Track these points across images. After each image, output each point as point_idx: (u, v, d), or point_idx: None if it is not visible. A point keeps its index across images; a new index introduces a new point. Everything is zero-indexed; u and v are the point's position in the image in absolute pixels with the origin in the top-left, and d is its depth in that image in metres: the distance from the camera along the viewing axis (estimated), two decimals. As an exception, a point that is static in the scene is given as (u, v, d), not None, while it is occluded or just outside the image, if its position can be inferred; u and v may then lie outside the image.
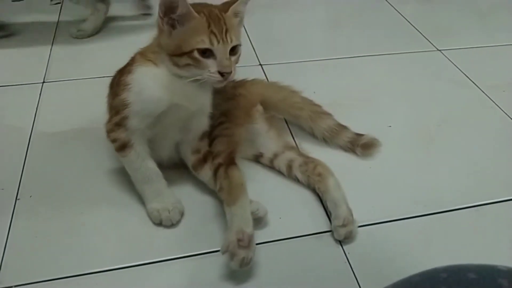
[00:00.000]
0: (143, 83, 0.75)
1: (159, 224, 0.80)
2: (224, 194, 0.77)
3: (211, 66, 0.72)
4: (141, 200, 0.83)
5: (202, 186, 0.87)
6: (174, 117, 0.79)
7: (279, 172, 0.91)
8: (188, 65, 0.72)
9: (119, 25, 1.42)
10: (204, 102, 0.80)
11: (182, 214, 0.82)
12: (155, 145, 0.81)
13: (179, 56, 0.72)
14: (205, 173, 0.84)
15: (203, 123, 0.83)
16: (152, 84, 0.75)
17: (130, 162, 0.80)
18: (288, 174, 0.89)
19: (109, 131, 0.79)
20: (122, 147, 0.78)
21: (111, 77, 0.89)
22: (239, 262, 0.70)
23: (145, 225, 0.81)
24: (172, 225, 0.80)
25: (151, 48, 0.78)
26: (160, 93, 0.75)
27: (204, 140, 0.84)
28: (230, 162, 0.80)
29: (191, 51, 0.71)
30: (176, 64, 0.74)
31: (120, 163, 0.90)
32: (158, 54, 0.76)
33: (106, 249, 0.77)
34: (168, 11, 0.71)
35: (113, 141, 0.79)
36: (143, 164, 0.79)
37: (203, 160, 0.84)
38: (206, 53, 0.72)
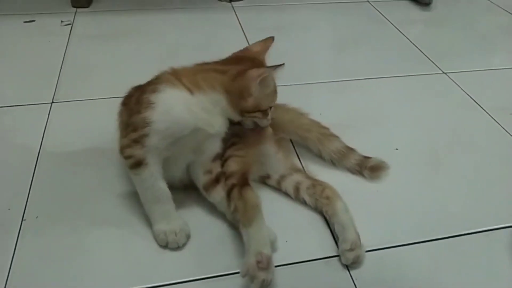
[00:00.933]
0: (171, 104, 0.77)
1: (165, 246, 0.80)
2: (240, 215, 0.77)
3: (270, 115, 0.86)
4: (147, 222, 0.83)
5: (209, 208, 0.87)
6: (192, 140, 0.80)
7: (286, 194, 0.90)
8: (255, 117, 0.84)
9: (129, 47, 1.44)
10: (222, 126, 0.83)
11: (188, 237, 0.81)
12: (168, 166, 0.81)
13: (252, 112, 0.82)
14: (217, 193, 0.84)
15: (217, 146, 0.84)
16: (181, 107, 0.77)
17: (142, 180, 0.79)
18: (296, 196, 0.89)
19: (124, 147, 0.78)
20: (136, 164, 0.78)
21: (125, 95, 0.91)
22: (260, 285, 0.69)
23: (150, 248, 0.80)
24: (178, 248, 0.80)
25: (193, 77, 0.80)
26: (187, 117, 0.77)
27: (217, 161, 0.85)
28: (244, 183, 0.80)
29: (266, 109, 0.84)
30: (242, 115, 0.83)
31: (128, 185, 0.90)
32: (205, 90, 0.79)
33: (112, 271, 0.77)
34: (261, 86, 0.80)
35: (128, 157, 0.78)
36: (155, 184, 0.79)
37: (216, 180, 0.84)
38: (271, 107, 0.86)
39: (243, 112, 0.82)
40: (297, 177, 0.90)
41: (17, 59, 1.35)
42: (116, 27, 1.54)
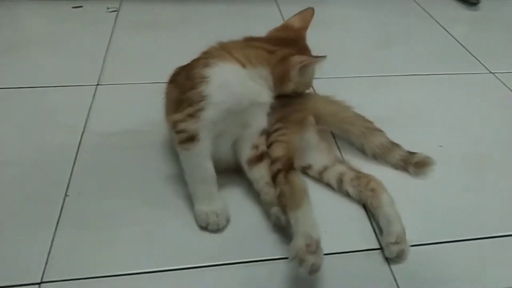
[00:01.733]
0: (226, 78, 0.79)
1: (205, 227, 0.80)
2: (286, 199, 0.76)
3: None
4: (189, 204, 0.83)
5: (250, 193, 0.87)
6: (244, 112, 0.81)
7: (328, 185, 0.89)
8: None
9: (171, 35, 1.46)
10: (269, 97, 0.85)
11: (228, 221, 0.81)
12: (216, 144, 0.81)
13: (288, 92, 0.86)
14: (258, 171, 0.83)
15: (264, 120, 0.85)
16: (236, 80, 0.79)
17: (191, 157, 0.79)
18: (338, 188, 0.87)
19: (179, 121, 0.78)
20: (188, 139, 0.78)
21: (171, 74, 0.93)
22: (309, 268, 0.67)
23: (190, 229, 0.80)
24: (218, 230, 0.80)
25: (242, 51, 0.82)
26: (242, 89, 0.79)
27: (263, 137, 0.85)
28: (290, 167, 0.79)
29: (301, 93, 0.89)
30: (278, 93, 0.86)
31: (169, 167, 0.92)
32: (254, 64, 0.81)
33: (151, 250, 0.77)
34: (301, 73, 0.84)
35: (181, 131, 0.78)
36: (204, 163, 0.79)
37: (260, 157, 0.84)
38: None
39: (281, 92, 0.86)
40: (340, 168, 0.88)
41: (65, 42, 1.39)
42: (159, 16, 1.57)
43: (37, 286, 0.71)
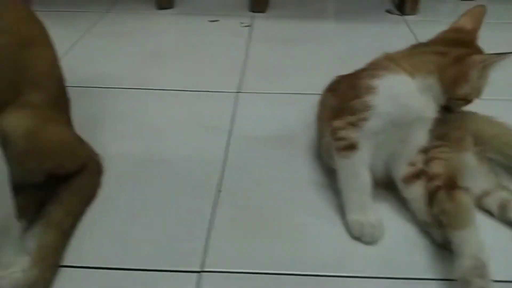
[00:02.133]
0: (395, 89, 0.79)
1: (358, 238, 0.79)
2: (450, 218, 0.73)
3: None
4: (337, 211, 0.84)
5: (401, 208, 0.85)
6: (407, 126, 0.80)
7: (486, 211, 0.84)
8: (457, 104, 0.84)
9: (302, 51, 1.49)
10: (434, 112, 0.82)
11: (382, 234, 0.80)
12: (372, 156, 0.81)
13: (459, 99, 0.83)
14: (415, 189, 0.81)
15: (423, 137, 0.83)
16: (405, 92, 0.79)
17: (348, 165, 0.80)
18: (499, 214, 0.82)
19: (339, 129, 0.80)
20: (348, 147, 0.79)
21: (330, 83, 0.96)
22: None
23: (341, 237, 0.80)
24: (372, 242, 0.78)
25: (411, 60, 0.82)
26: (411, 102, 0.79)
27: (420, 155, 0.83)
28: (454, 186, 0.76)
29: (471, 100, 0.84)
30: (447, 101, 0.83)
31: (316, 173, 0.93)
32: (423, 74, 0.80)
33: (300, 254, 0.78)
34: (480, 75, 0.80)
35: (340, 139, 0.80)
36: (361, 172, 0.79)
37: (417, 175, 0.82)
38: None
39: (450, 98, 0.82)
40: (504, 194, 0.83)
41: (204, 52, 1.48)
42: (289, 32, 1.62)
43: (198, 274, 0.74)
